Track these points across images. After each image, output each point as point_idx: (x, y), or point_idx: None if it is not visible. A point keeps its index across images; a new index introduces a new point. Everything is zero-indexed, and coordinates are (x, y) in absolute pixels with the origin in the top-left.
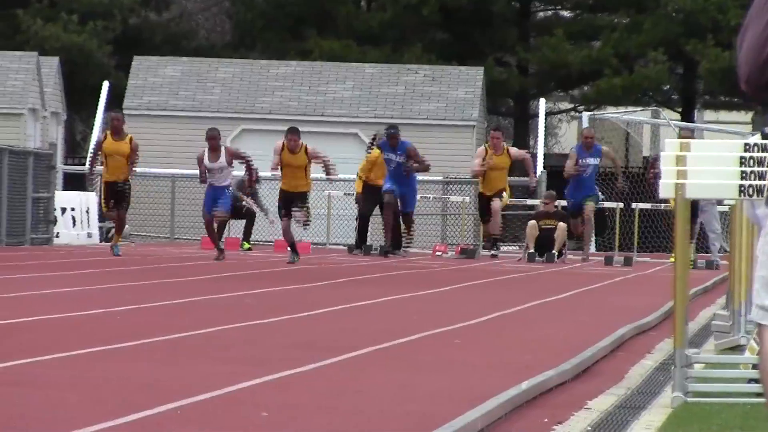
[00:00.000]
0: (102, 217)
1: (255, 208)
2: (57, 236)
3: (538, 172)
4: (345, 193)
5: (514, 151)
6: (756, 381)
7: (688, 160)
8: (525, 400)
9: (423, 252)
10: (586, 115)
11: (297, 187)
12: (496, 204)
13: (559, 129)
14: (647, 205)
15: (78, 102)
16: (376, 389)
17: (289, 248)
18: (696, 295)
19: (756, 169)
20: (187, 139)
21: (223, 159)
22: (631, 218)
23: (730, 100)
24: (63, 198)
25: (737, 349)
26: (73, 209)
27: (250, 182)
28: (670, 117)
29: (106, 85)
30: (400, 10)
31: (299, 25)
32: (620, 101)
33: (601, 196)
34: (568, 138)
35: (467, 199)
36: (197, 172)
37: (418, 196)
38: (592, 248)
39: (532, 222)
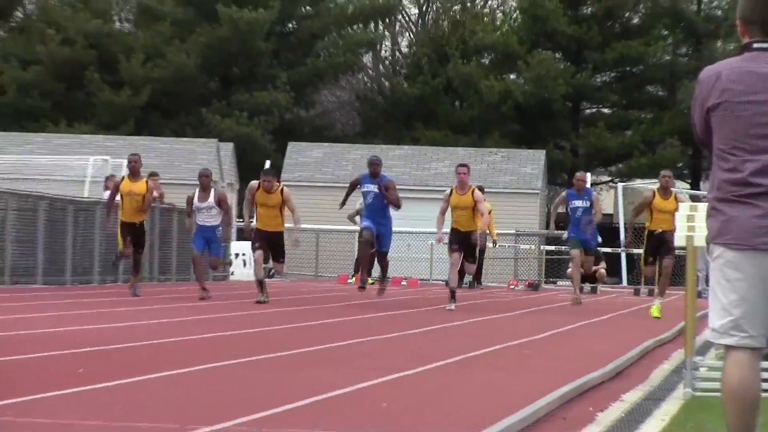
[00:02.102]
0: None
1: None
2: (232, 274)
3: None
4: (444, 243)
5: (477, 194)
6: None
7: (696, 218)
8: (576, 395)
9: (500, 285)
10: (620, 185)
11: (273, 226)
12: (470, 269)
13: (600, 195)
14: None
15: (247, 175)
16: (465, 386)
17: (258, 286)
18: (701, 317)
19: None
20: (328, 204)
21: (212, 200)
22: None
23: None
24: (236, 246)
25: None
26: (243, 254)
27: (227, 234)
28: (682, 186)
29: (267, 163)
30: (484, 108)
31: (410, 119)
32: (646, 175)
33: (599, 241)
34: (607, 201)
35: (533, 246)
36: (335, 227)
37: (497, 246)
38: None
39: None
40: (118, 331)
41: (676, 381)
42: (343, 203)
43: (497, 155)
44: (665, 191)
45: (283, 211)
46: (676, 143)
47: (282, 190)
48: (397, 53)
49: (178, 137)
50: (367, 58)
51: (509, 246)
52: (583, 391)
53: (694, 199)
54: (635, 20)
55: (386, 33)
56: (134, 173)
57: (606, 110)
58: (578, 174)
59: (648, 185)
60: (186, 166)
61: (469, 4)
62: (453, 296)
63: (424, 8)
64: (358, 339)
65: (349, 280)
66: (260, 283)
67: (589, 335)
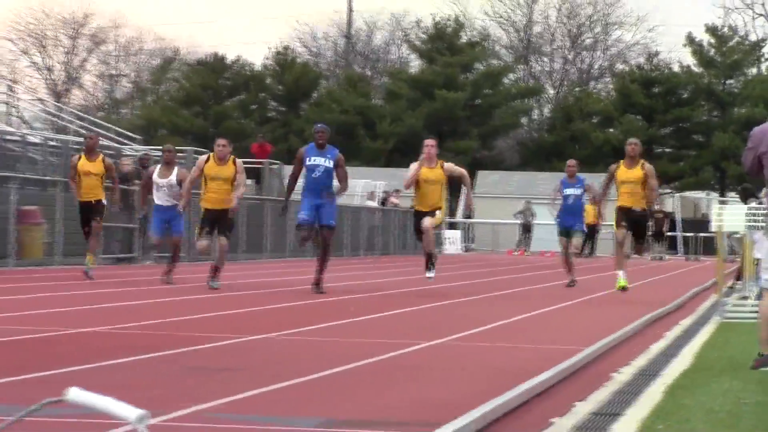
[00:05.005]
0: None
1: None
2: (445, 250)
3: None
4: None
5: (448, 166)
6: (756, 311)
7: (724, 213)
8: (651, 321)
9: (606, 255)
10: (677, 195)
11: (221, 203)
12: (426, 222)
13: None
14: (704, 234)
15: (450, 193)
16: (585, 316)
17: (211, 271)
18: (727, 274)
19: (753, 217)
20: (501, 206)
21: (173, 177)
22: (698, 241)
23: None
24: (446, 233)
25: (745, 297)
26: (451, 237)
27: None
28: (713, 195)
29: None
30: (593, 150)
31: (549, 156)
32: (692, 188)
33: (585, 229)
34: (667, 205)
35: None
36: (504, 221)
37: (602, 231)
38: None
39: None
40: (364, 284)
41: (712, 312)
42: (291, 183)
43: (601, 179)
44: (631, 159)
45: (233, 185)
46: (711, 170)
47: (234, 159)
48: (542, 116)
49: None
50: (524, 120)
51: (610, 231)
52: (656, 319)
53: (722, 202)
54: (684, 95)
55: (535, 104)
56: (90, 151)
57: (668, 150)
58: (569, 161)
59: (692, 194)
60: None
61: (584, 87)
62: (430, 263)
63: (558, 90)
64: (519, 288)
65: (514, 253)
66: (216, 270)
67: (658, 285)
